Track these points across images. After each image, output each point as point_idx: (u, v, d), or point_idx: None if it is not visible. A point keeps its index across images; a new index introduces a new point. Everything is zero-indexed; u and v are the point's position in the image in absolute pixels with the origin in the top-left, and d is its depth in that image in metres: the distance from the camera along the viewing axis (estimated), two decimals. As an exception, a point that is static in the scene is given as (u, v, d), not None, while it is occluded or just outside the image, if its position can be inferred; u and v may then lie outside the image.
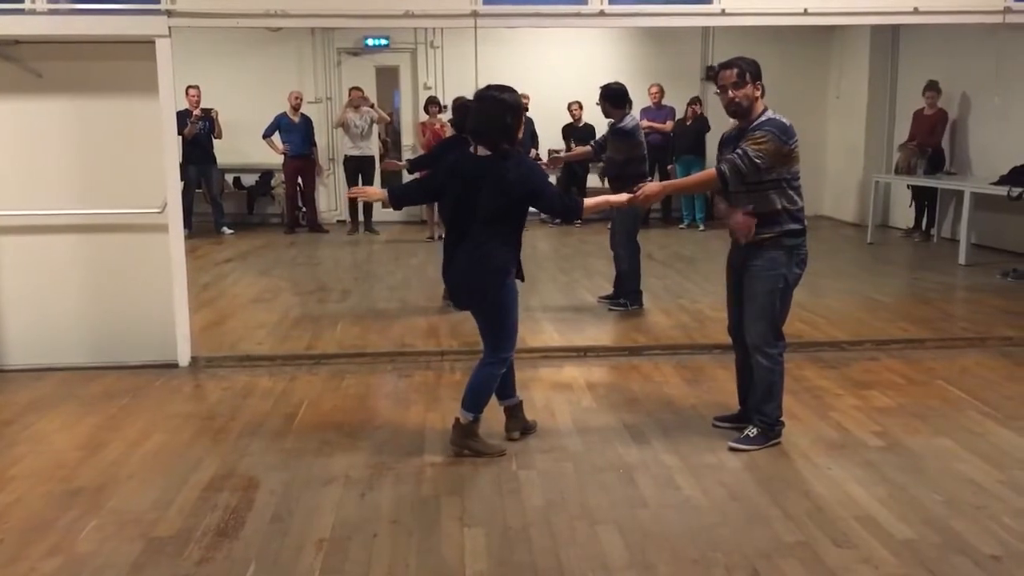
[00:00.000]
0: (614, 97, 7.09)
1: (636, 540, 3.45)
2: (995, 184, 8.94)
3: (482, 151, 4.20)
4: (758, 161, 4.10)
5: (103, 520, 3.67)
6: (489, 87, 4.24)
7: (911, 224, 11.30)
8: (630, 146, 7.03)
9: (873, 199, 11.16)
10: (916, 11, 6.00)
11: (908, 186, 11.12)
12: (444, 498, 3.85)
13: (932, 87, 10.63)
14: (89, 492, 3.94)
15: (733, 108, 4.25)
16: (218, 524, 3.62)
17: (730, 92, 4.22)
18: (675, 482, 3.99)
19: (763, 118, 4.20)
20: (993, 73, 9.90)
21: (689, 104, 12.45)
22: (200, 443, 4.54)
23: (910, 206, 11.29)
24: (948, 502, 3.75)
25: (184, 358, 5.89)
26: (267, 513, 3.72)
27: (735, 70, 4.19)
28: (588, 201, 4.47)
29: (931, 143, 10.65)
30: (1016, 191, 8.55)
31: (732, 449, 4.32)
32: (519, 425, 4.54)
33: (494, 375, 4.32)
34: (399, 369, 5.81)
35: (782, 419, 4.43)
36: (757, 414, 4.40)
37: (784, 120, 4.19)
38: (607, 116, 7.32)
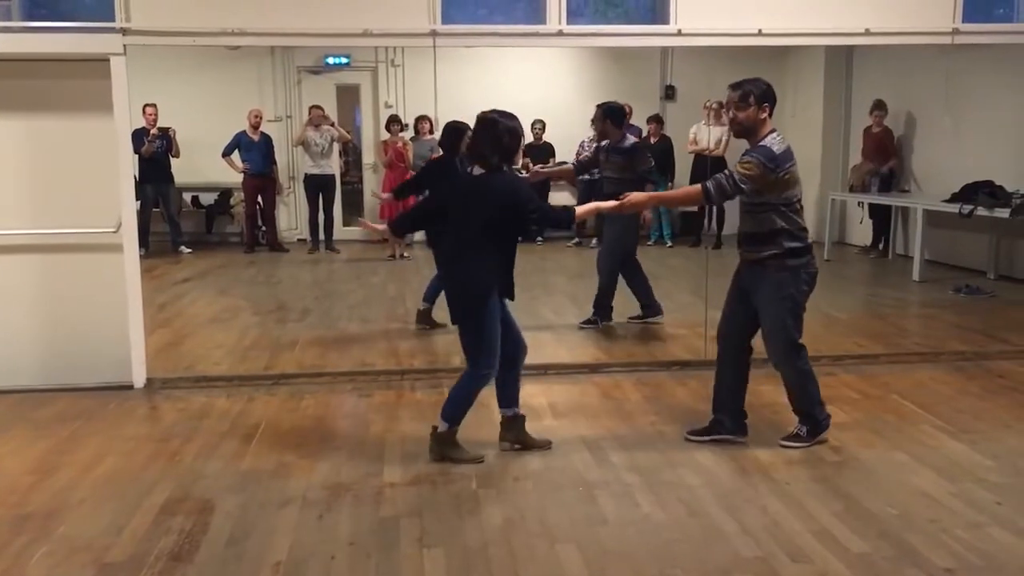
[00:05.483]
0: (616, 115, 7.06)
1: (595, 558, 3.45)
2: (947, 201, 9.10)
3: (478, 170, 4.32)
4: (743, 185, 4.24)
5: (54, 546, 3.59)
6: (493, 110, 4.38)
7: (868, 242, 11.46)
8: (635, 162, 6.84)
9: (829, 217, 11.33)
10: (868, 32, 6.12)
11: (859, 204, 11.31)
12: (403, 519, 3.82)
13: (879, 106, 10.85)
14: (40, 517, 3.86)
15: (735, 128, 4.43)
16: (172, 549, 3.56)
17: (731, 112, 4.39)
18: (635, 499, 4.00)
19: (762, 143, 4.28)
20: (943, 92, 10.13)
21: (649, 122, 12.31)
22: (154, 466, 4.46)
23: (860, 223, 11.46)
24: (902, 515, 3.79)
25: (139, 379, 5.80)
26: (222, 536, 3.66)
27: (739, 92, 4.32)
28: (579, 208, 4.64)
29: (882, 161, 10.84)
30: (968, 208, 8.72)
31: (783, 446, 4.53)
32: (514, 437, 4.59)
33: (472, 389, 4.42)
34: (359, 389, 5.77)
35: (828, 413, 4.63)
36: (802, 415, 4.60)
37: (776, 148, 4.26)
38: (603, 136, 7.21)
